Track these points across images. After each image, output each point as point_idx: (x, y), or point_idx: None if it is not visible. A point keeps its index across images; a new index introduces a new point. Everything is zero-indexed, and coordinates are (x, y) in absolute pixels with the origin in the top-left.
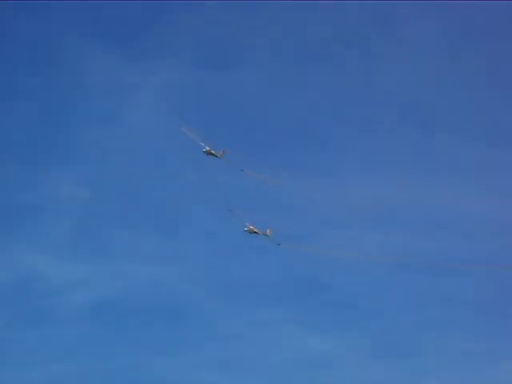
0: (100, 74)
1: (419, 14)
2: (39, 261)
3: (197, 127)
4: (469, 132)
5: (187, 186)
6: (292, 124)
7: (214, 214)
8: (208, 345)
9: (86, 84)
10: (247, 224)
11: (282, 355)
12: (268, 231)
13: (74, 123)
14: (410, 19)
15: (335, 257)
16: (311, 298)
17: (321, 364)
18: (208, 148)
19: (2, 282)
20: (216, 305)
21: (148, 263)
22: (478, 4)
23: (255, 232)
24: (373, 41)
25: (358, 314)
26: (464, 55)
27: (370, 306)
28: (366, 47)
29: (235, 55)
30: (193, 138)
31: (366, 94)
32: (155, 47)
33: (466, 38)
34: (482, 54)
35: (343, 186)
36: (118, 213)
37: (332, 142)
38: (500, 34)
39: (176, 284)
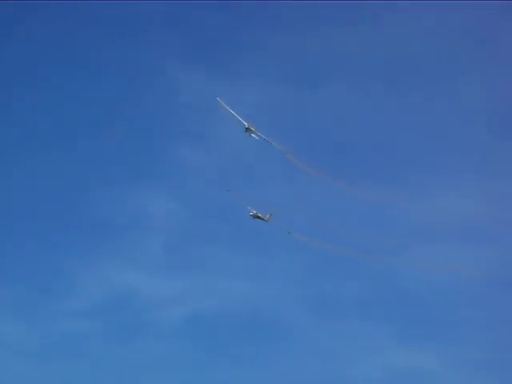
0: (191, 93)
1: None
2: (134, 277)
3: (286, 144)
4: None
5: (277, 196)
6: (380, 139)
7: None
8: (304, 360)
9: (178, 103)
10: (250, 208)
11: (380, 370)
12: (268, 216)
13: (166, 140)
14: None
15: (426, 271)
16: (406, 312)
17: (421, 380)
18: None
19: (99, 300)
20: (310, 320)
21: (241, 279)
22: None
23: (259, 217)
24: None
25: (454, 329)
26: None
27: (466, 321)
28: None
29: (324, 73)
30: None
31: (455, 106)
32: (245, 67)
33: None
34: None
35: (433, 201)
36: (210, 229)
37: (422, 157)
38: None
39: (270, 299)
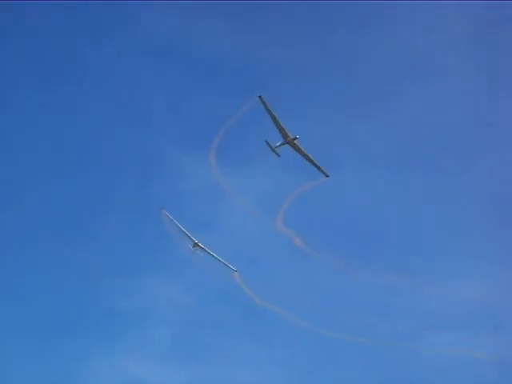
0: (196, 180)
1: None
2: (142, 367)
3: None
4: None
5: (283, 285)
6: (389, 223)
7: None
8: None
9: (182, 190)
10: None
11: None
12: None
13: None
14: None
15: (437, 356)
16: None
17: None
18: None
19: None
20: None
21: (247, 367)
22: None
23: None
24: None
25: None
26: None
27: None
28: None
29: (332, 159)
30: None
31: (464, 195)
32: (248, 153)
33: None
34: None
35: (445, 288)
36: (216, 317)
37: (432, 244)
38: None
39: None
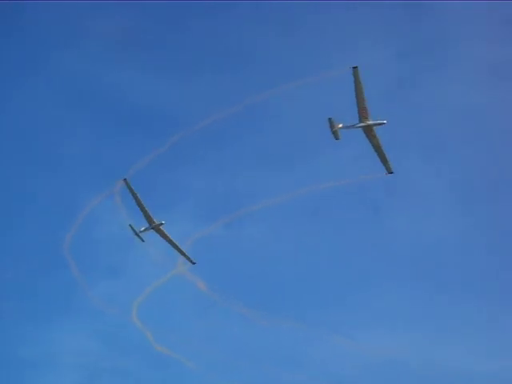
0: (108, 229)
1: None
2: None
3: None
4: (481, 290)
5: (187, 332)
6: (299, 280)
7: None
8: None
9: (94, 238)
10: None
11: None
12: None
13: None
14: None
15: None
16: None
17: None
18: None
19: None
20: None
21: None
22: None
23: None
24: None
25: None
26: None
27: None
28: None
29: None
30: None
31: (376, 248)
32: (158, 203)
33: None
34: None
35: (355, 343)
36: (120, 363)
37: (338, 295)
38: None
39: None
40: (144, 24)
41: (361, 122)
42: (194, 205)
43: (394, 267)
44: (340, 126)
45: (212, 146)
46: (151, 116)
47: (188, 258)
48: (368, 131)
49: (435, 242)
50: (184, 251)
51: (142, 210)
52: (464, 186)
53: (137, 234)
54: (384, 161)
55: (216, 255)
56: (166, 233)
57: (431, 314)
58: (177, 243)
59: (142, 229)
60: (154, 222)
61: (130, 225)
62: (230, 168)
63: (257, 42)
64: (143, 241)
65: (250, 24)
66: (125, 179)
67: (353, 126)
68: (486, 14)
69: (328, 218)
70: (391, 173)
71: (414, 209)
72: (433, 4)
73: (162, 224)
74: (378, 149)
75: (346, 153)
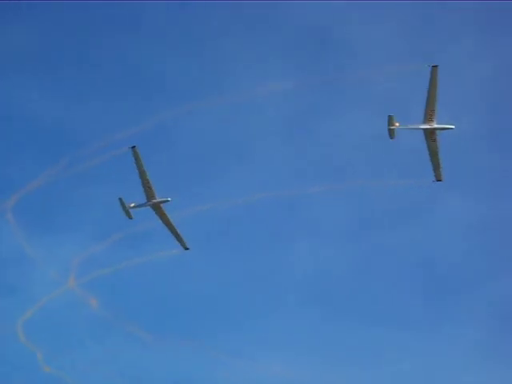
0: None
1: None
2: None
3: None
4: (377, 315)
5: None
6: (199, 303)
7: None
8: None
9: None
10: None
11: None
12: None
13: None
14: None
15: None
16: None
17: None
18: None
19: None
20: None
21: None
22: None
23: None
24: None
25: None
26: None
27: None
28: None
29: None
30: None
31: (274, 271)
32: (58, 222)
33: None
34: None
35: (254, 367)
36: None
37: (241, 319)
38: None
39: None
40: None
41: (425, 123)
42: (92, 222)
43: (292, 292)
44: (397, 124)
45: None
46: (48, 134)
47: (182, 243)
48: (430, 134)
49: (331, 267)
50: (180, 234)
51: (144, 184)
52: (359, 215)
53: (125, 210)
54: (437, 167)
55: (113, 275)
56: (166, 212)
57: (329, 339)
58: (174, 225)
59: (132, 205)
60: (155, 198)
61: (120, 198)
62: None
63: (165, 62)
64: (131, 218)
65: (159, 45)
66: (134, 147)
67: (415, 127)
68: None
69: (232, 240)
70: (440, 180)
71: (314, 235)
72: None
73: (166, 201)
74: (434, 154)
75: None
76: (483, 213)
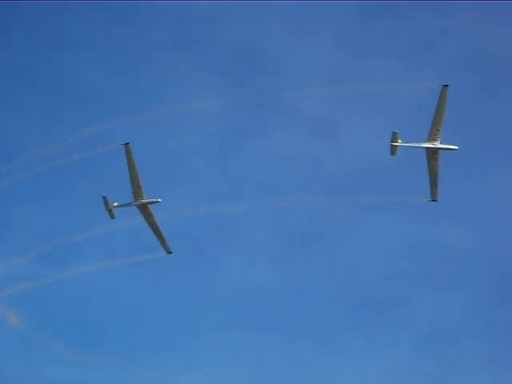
0: None
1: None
2: None
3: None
4: (301, 333)
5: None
6: (125, 322)
7: None
8: None
9: None
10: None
11: None
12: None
13: None
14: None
15: None
16: None
17: None
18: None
19: None
20: None
21: None
22: None
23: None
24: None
25: None
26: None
27: None
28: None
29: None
30: None
31: (202, 289)
32: None
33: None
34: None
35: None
36: None
37: (165, 340)
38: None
39: None
40: None
41: (429, 141)
42: (17, 239)
43: (219, 310)
44: (400, 141)
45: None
46: None
47: (165, 246)
48: (432, 153)
49: (258, 285)
50: (164, 237)
51: (133, 182)
52: (287, 233)
53: (109, 209)
54: (434, 187)
55: (37, 292)
56: (153, 213)
57: (253, 357)
58: (159, 227)
59: (116, 204)
60: (143, 198)
61: (104, 196)
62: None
63: (100, 74)
64: (113, 217)
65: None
66: (127, 143)
67: (418, 145)
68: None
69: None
70: (435, 201)
71: (242, 253)
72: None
73: (156, 202)
74: (434, 174)
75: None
76: (408, 235)
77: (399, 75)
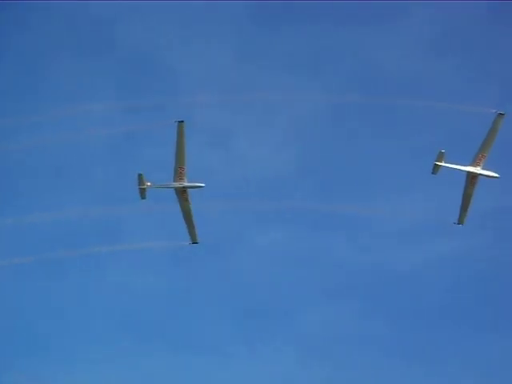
0: None
1: None
2: None
3: None
4: (187, 342)
5: None
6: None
7: None
8: None
9: None
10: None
11: None
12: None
13: None
14: None
15: None
16: None
17: None
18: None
19: None
20: None
21: None
22: None
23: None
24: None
25: None
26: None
27: None
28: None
29: None
30: None
31: (85, 299)
32: None
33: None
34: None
35: None
36: None
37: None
38: None
39: None
40: None
41: (472, 166)
42: None
43: (103, 319)
44: (443, 162)
45: None
46: None
47: (193, 235)
48: (472, 178)
49: (143, 294)
50: (195, 225)
51: (178, 162)
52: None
53: (142, 187)
54: (464, 211)
55: None
56: (190, 200)
57: (137, 366)
58: (193, 215)
59: (149, 183)
60: (185, 181)
61: (140, 174)
62: None
63: None
64: (143, 198)
65: None
66: (182, 121)
67: (460, 168)
68: None
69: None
70: (461, 224)
71: (124, 259)
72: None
73: (199, 187)
74: (467, 198)
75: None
76: (296, 246)
77: (293, 87)
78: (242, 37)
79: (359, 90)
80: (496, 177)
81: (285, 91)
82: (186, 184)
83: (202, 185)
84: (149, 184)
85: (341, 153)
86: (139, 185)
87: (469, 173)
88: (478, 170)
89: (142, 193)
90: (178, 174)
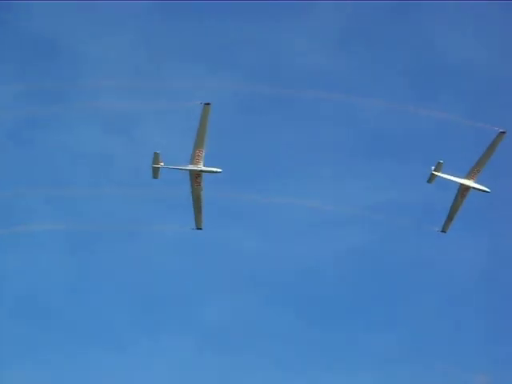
0: None
1: None
2: None
3: None
4: (89, 335)
5: None
6: None
7: None
8: None
9: None
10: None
11: None
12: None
13: None
14: None
15: None
16: None
17: None
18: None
19: None
20: None
21: None
22: None
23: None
24: None
25: None
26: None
27: None
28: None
29: None
30: None
31: None
32: None
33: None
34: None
35: None
36: None
37: None
38: None
39: None
40: None
41: (467, 178)
42: None
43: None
44: (438, 173)
45: None
46: None
47: (199, 221)
48: (463, 190)
49: (46, 284)
50: (202, 212)
51: (198, 145)
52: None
53: (155, 167)
54: (450, 220)
55: None
56: (203, 185)
57: (40, 356)
58: (202, 201)
59: (162, 163)
60: (202, 165)
61: (156, 152)
62: None
63: None
64: (156, 177)
65: None
66: (208, 103)
67: (454, 179)
68: None
69: None
70: (444, 232)
71: (26, 245)
72: None
73: (217, 172)
74: (455, 209)
75: None
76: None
77: (198, 77)
78: (148, 27)
79: (266, 82)
80: (487, 191)
81: (191, 80)
82: (203, 168)
83: (220, 170)
84: (162, 164)
85: (248, 143)
86: (153, 163)
87: (461, 185)
88: (471, 183)
89: (156, 172)
90: (196, 156)
